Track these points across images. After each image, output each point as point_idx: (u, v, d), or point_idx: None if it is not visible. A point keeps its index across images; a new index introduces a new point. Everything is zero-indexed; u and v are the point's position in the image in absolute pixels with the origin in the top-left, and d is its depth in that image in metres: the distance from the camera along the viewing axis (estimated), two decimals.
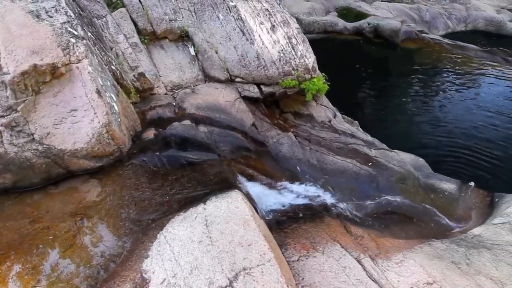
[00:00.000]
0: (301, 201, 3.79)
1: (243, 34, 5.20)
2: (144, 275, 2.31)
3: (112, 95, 3.47)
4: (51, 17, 3.37)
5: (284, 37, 5.22)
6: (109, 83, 3.57)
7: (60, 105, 3.04)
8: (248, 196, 3.11)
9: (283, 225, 3.34)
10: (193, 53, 5.27)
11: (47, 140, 2.98)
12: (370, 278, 2.83)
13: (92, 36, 3.96)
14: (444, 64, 9.54)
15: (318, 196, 3.91)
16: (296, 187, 3.98)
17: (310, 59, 5.24)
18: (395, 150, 4.89)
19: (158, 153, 3.49)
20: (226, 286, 2.15)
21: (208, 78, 5.13)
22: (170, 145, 3.65)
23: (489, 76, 8.96)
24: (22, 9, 3.31)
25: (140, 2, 5.20)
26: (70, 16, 3.49)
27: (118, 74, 4.11)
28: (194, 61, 5.25)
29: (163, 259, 2.36)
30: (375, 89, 8.43)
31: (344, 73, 8.61)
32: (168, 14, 5.27)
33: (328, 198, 3.92)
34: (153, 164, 3.35)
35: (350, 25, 11.30)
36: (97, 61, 3.54)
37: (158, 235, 2.56)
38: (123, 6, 5.13)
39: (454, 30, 13.38)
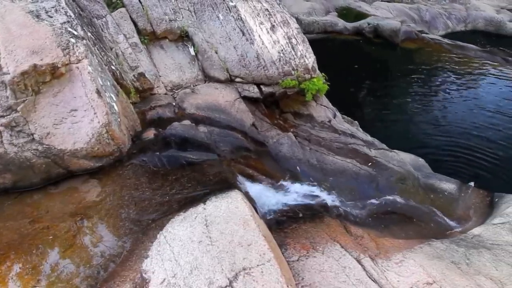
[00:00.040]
0: (301, 201, 3.79)
1: (243, 34, 5.21)
2: (144, 275, 2.31)
3: (112, 95, 3.47)
4: (51, 17, 3.37)
5: (284, 37, 5.22)
6: (109, 83, 3.57)
7: (60, 105, 3.05)
8: (248, 196, 3.11)
9: (283, 225, 3.34)
10: (193, 53, 5.27)
11: (47, 140, 2.98)
12: (370, 278, 2.83)
13: (92, 36, 3.96)
14: (444, 64, 9.55)
15: (318, 196, 3.92)
16: (296, 187, 3.98)
17: (310, 59, 5.24)
18: (395, 150, 4.89)
19: (158, 153, 3.49)
20: (226, 286, 2.15)
21: (208, 78, 5.13)
22: (170, 145, 3.65)
23: (489, 76, 8.97)
24: (22, 9, 3.31)
25: (140, 2, 5.20)
26: (70, 16, 3.49)
27: (118, 74, 4.11)
28: (194, 61, 5.25)
29: (163, 259, 2.36)
30: (375, 89, 8.43)
31: (344, 73, 8.61)
32: (168, 14, 5.27)
33: (328, 198, 3.93)
34: (153, 164, 3.35)
35: (350, 25, 11.30)
36: (97, 61, 3.54)
37: (158, 235, 2.56)
38: (123, 6, 5.13)
39: (454, 30, 13.38)
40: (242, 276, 2.21)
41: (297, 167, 4.35)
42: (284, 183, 4.00)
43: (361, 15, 11.82)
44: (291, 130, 4.98)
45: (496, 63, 9.54)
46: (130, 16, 5.07)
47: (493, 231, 3.41)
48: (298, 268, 2.85)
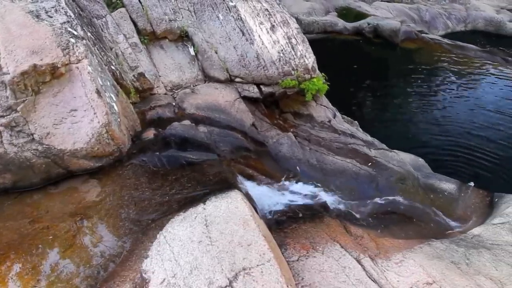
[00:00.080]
0: (300, 201, 3.79)
1: (243, 34, 5.21)
2: (143, 275, 2.31)
3: (112, 95, 3.47)
4: (51, 17, 3.37)
5: (283, 37, 5.22)
6: (108, 83, 3.57)
7: (60, 105, 3.05)
8: (248, 196, 3.11)
9: (283, 225, 3.34)
10: (192, 53, 5.27)
11: (47, 140, 2.98)
12: (369, 278, 2.83)
13: (91, 36, 3.96)
14: (443, 64, 9.55)
15: (318, 196, 3.92)
16: (296, 187, 3.99)
17: (310, 59, 5.24)
18: (394, 150, 4.89)
19: (157, 153, 3.49)
20: (226, 286, 2.15)
21: (207, 78, 5.13)
22: (170, 145, 3.65)
23: (488, 76, 8.97)
24: (22, 9, 3.31)
25: (140, 2, 5.20)
26: (70, 16, 3.49)
27: (118, 74, 4.11)
28: (193, 61, 5.25)
29: (163, 259, 2.36)
30: (375, 89, 8.43)
31: (344, 73, 8.61)
32: (168, 14, 5.27)
33: (327, 198, 3.93)
34: (152, 164, 3.35)
35: (349, 25, 11.30)
36: (96, 61, 3.54)
37: (158, 235, 2.56)
38: (123, 6, 5.13)
39: (453, 30, 13.38)
40: (242, 276, 2.21)
41: (297, 167, 4.35)
42: (284, 183, 4.00)
43: (361, 15, 11.82)
44: (291, 130, 4.98)
45: (496, 63, 9.54)
46: (130, 16, 5.07)
47: (493, 231, 3.41)
48: (298, 268, 2.85)
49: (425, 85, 8.57)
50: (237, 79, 5.07)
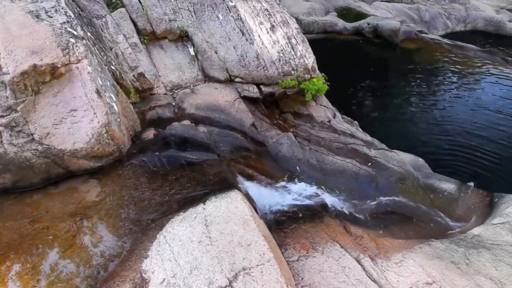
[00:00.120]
0: (300, 201, 3.79)
1: (243, 34, 5.21)
2: (143, 275, 2.31)
3: (112, 95, 3.47)
4: (51, 17, 3.37)
5: (283, 37, 5.22)
6: (108, 83, 3.57)
7: (59, 105, 3.05)
8: (248, 196, 3.11)
9: (283, 225, 3.34)
10: (192, 53, 5.27)
11: (46, 140, 2.98)
12: (369, 278, 2.83)
13: (91, 36, 3.96)
14: (443, 64, 9.55)
15: (318, 196, 3.92)
16: (296, 187, 3.98)
17: (310, 59, 5.25)
18: (394, 150, 4.90)
19: (157, 153, 3.49)
20: (226, 286, 2.15)
21: (207, 78, 5.13)
22: (170, 145, 3.65)
23: (488, 76, 8.97)
24: (21, 9, 3.31)
25: (140, 2, 5.20)
26: (70, 16, 3.49)
27: (118, 74, 4.11)
28: (193, 61, 5.25)
29: (163, 259, 2.36)
30: (375, 89, 8.43)
31: (344, 73, 8.61)
32: (168, 14, 5.27)
33: (327, 198, 3.93)
34: (152, 164, 3.35)
35: (349, 25, 11.30)
36: (96, 61, 3.54)
37: (158, 235, 2.56)
38: (123, 6, 5.13)
39: (453, 30, 13.38)
40: (242, 276, 2.21)
41: (297, 167, 4.35)
42: (284, 183, 4.00)
43: (361, 15, 11.82)
44: (291, 130, 4.98)
45: (495, 63, 9.55)
46: (129, 16, 5.07)
47: (493, 231, 3.41)
48: (298, 268, 2.85)
49: (425, 85, 8.57)
50: (237, 79, 5.07)
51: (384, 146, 5.13)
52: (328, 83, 5.49)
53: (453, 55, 9.94)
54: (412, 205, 4.00)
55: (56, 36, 3.18)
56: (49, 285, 2.35)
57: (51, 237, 2.64)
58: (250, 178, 3.86)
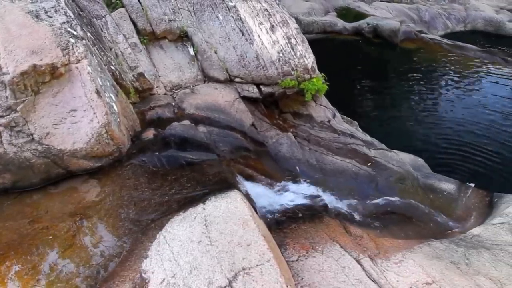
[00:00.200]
0: (300, 201, 3.79)
1: (243, 34, 5.21)
2: (143, 275, 2.32)
3: (112, 95, 3.48)
4: (51, 17, 3.37)
5: (283, 37, 5.23)
6: (108, 83, 3.57)
7: (59, 105, 3.05)
8: (247, 196, 3.11)
9: (283, 225, 3.34)
10: (192, 53, 5.27)
11: (46, 140, 2.98)
12: (369, 278, 2.83)
13: (91, 36, 3.96)
14: (443, 64, 9.56)
15: (318, 196, 3.91)
16: (296, 187, 3.98)
17: (310, 59, 5.25)
18: (394, 150, 4.90)
19: (157, 153, 3.49)
20: (226, 286, 2.15)
21: (207, 78, 5.13)
22: (170, 145, 3.65)
23: (488, 76, 8.98)
24: (21, 9, 3.31)
25: (140, 2, 5.20)
26: (70, 16, 3.49)
27: (118, 74, 4.11)
28: (193, 61, 5.25)
29: (163, 259, 2.36)
30: (374, 89, 8.44)
31: (344, 73, 8.62)
32: (168, 14, 5.27)
33: (327, 198, 3.93)
34: (152, 164, 3.35)
35: (349, 25, 11.30)
36: (96, 61, 3.54)
37: (158, 235, 2.56)
38: (123, 6, 5.13)
39: (453, 30, 13.40)
40: (242, 276, 2.21)
41: (297, 167, 4.35)
42: (284, 183, 4.00)
43: (361, 15, 11.83)
44: (291, 130, 4.98)
45: (495, 63, 9.55)
46: (129, 16, 5.07)
47: (493, 231, 3.41)
48: (298, 268, 2.85)
49: (424, 85, 8.57)
50: (237, 79, 5.07)
51: (383, 146, 5.13)
52: (328, 83, 5.49)
53: (453, 55, 9.94)
54: (411, 205, 4.00)
55: (56, 36, 3.18)
56: (49, 285, 2.35)
57: (50, 237, 2.64)
58: (249, 178, 3.86)
